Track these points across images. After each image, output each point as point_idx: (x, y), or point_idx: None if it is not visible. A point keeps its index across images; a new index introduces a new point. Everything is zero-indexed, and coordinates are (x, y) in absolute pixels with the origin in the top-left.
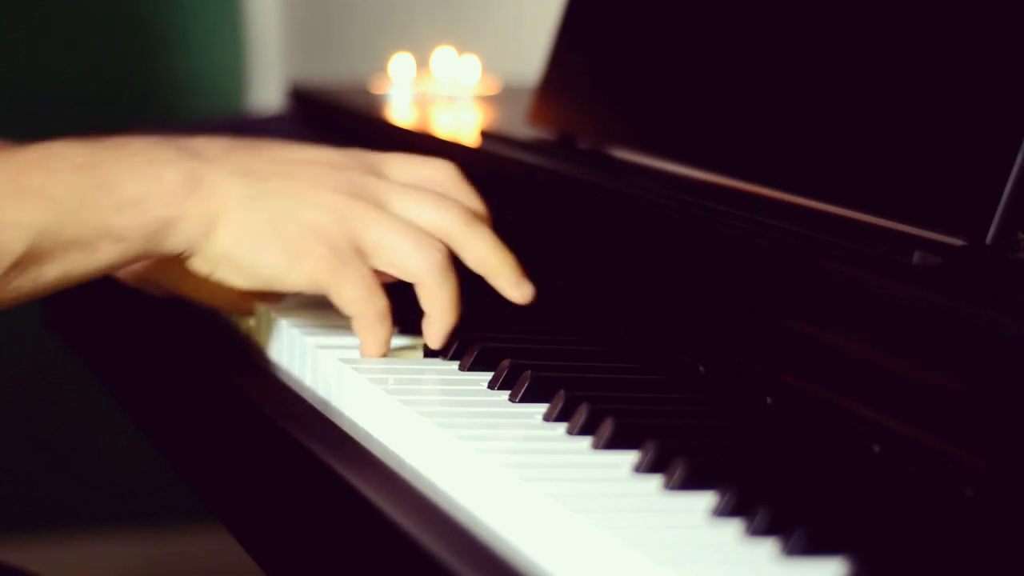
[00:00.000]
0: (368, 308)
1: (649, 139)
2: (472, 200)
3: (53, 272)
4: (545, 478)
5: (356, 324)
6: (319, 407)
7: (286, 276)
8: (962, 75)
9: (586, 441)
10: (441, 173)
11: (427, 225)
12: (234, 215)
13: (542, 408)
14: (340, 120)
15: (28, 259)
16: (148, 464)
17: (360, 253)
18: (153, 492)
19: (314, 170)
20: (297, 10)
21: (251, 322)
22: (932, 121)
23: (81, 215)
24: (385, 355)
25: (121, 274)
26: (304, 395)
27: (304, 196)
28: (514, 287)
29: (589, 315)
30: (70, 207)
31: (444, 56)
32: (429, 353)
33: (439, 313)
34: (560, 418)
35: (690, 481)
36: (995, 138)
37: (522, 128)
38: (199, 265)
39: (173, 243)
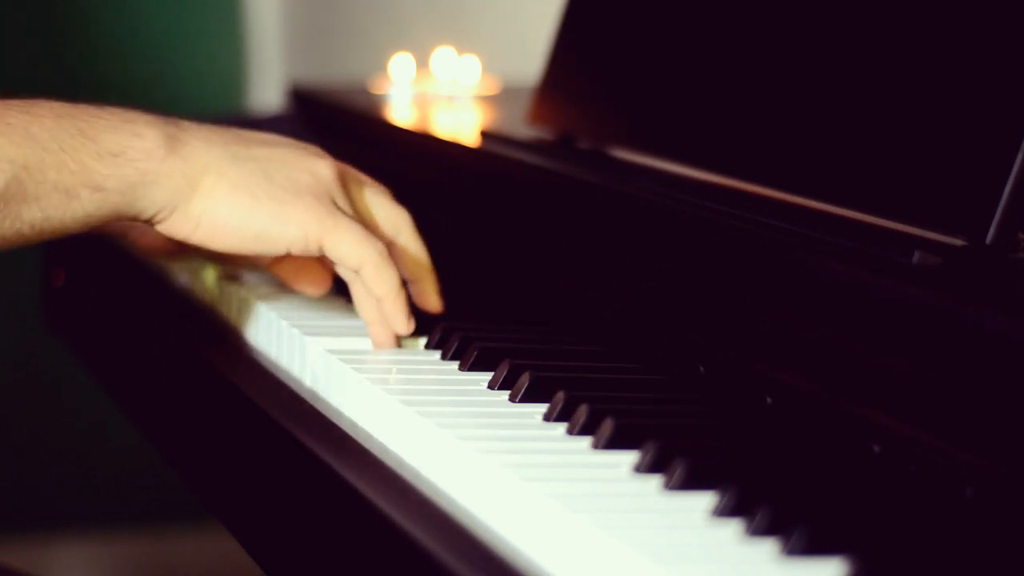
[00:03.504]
0: (371, 250)
1: (649, 139)
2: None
3: (32, 214)
4: (545, 478)
5: (365, 273)
6: (320, 407)
7: (275, 229)
8: (962, 76)
9: (586, 441)
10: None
11: (383, 214)
12: (221, 170)
13: (542, 408)
14: (340, 120)
15: (9, 195)
16: (148, 464)
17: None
18: (153, 492)
19: (285, 148)
20: (297, 10)
21: (253, 323)
22: (932, 121)
23: (62, 157)
24: (406, 300)
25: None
26: (304, 395)
27: (284, 159)
28: (436, 294)
29: (589, 315)
30: (52, 148)
31: (444, 56)
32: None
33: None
34: (560, 418)
35: (690, 481)
36: (995, 138)
37: (522, 128)
38: (178, 225)
39: (151, 200)
